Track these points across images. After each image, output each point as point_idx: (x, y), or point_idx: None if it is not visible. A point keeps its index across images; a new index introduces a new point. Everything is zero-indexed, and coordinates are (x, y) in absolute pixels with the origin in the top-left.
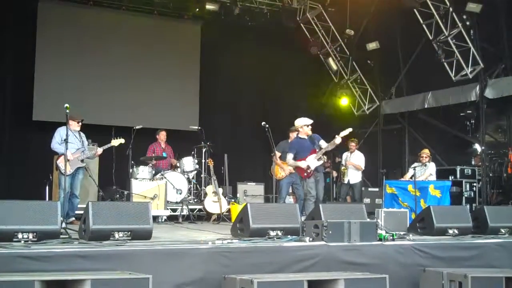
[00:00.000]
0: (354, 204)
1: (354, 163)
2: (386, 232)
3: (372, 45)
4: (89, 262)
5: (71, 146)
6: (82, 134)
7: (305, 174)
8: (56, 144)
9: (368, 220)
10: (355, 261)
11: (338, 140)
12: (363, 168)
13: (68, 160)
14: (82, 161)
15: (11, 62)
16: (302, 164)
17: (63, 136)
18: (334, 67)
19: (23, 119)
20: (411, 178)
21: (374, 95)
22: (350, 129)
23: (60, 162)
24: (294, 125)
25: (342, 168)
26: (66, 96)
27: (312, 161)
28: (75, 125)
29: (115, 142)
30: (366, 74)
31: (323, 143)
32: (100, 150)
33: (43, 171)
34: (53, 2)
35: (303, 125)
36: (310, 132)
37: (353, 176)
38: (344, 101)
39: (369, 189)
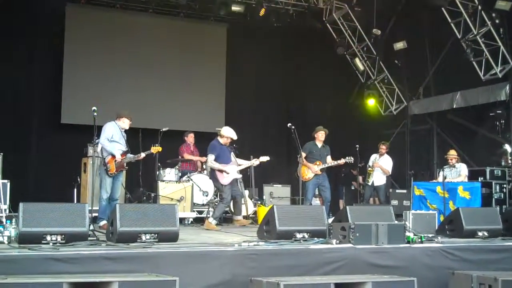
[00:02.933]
0: (381, 206)
1: (382, 166)
2: (415, 235)
3: (399, 45)
4: (117, 264)
5: (118, 147)
6: (124, 134)
7: (224, 180)
8: (106, 141)
9: (396, 222)
10: (383, 264)
11: (256, 162)
12: (390, 173)
13: (117, 161)
14: (125, 164)
15: (40, 65)
16: (227, 169)
17: (114, 134)
18: (361, 67)
19: (51, 122)
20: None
21: (401, 95)
22: (267, 158)
23: (109, 162)
24: (220, 131)
25: (368, 169)
26: (93, 99)
27: (233, 171)
28: (126, 123)
29: (154, 149)
30: (393, 74)
31: (240, 160)
32: (142, 155)
33: (71, 173)
34: (81, 5)
35: (228, 136)
36: (228, 144)
37: (378, 178)
38: (371, 102)
39: (397, 191)
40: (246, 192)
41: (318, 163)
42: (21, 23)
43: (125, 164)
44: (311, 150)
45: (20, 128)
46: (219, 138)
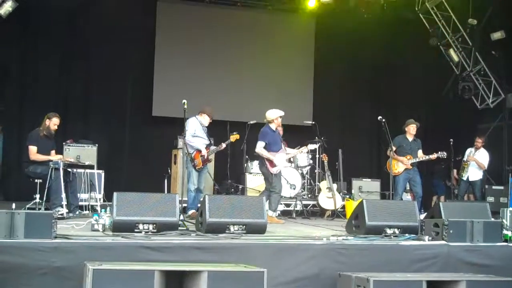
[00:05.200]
0: (477, 203)
1: (478, 160)
2: None
3: (497, 35)
4: (206, 254)
5: (202, 142)
6: (206, 128)
7: (274, 169)
8: (190, 137)
9: (493, 219)
10: (478, 263)
11: (304, 150)
12: (486, 168)
13: (203, 156)
14: (210, 157)
15: (132, 60)
16: (276, 161)
17: (197, 129)
18: (456, 58)
19: (143, 115)
20: None
21: (499, 87)
22: (315, 146)
23: (196, 158)
24: (267, 117)
25: (463, 163)
26: (183, 92)
27: (281, 159)
28: (206, 120)
29: (232, 138)
30: (490, 65)
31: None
32: (223, 145)
33: (162, 164)
34: (171, 0)
35: (278, 116)
36: (279, 125)
37: (474, 174)
38: (466, 94)
39: (493, 187)
40: (334, 186)
41: (408, 157)
42: (114, 19)
43: (209, 157)
44: (401, 143)
45: (114, 121)
46: (270, 124)
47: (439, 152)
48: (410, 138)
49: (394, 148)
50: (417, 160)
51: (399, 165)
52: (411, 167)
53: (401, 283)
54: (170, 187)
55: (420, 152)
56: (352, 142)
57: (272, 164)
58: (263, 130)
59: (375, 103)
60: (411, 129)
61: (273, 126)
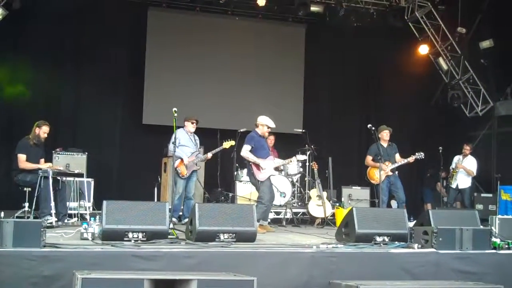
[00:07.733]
0: (466, 211)
1: (466, 168)
2: (501, 240)
3: (486, 43)
4: (195, 263)
5: (187, 150)
6: (196, 136)
7: (261, 175)
8: (172, 147)
9: (482, 227)
10: (468, 270)
11: (294, 160)
12: (475, 174)
13: (185, 164)
14: (196, 164)
15: (123, 68)
16: (263, 164)
17: (179, 139)
18: (445, 67)
19: (133, 123)
20: None
21: (487, 95)
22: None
23: (178, 166)
24: (258, 120)
25: (452, 171)
26: (174, 100)
27: (270, 167)
28: (190, 126)
29: (226, 144)
30: (479, 73)
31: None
32: (210, 155)
33: (152, 173)
34: (162, 9)
35: (264, 124)
36: (267, 135)
37: (463, 181)
38: (455, 102)
39: (482, 195)
40: (324, 194)
41: (387, 163)
42: (104, 27)
43: (196, 165)
44: (377, 151)
45: (104, 129)
46: (256, 128)
47: (416, 154)
48: (384, 144)
49: (370, 157)
50: (396, 165)
51: (378, 173)
52: (391, 173)
53: None
54: (160, 195)
55: (397, 156)
56: (342, 150)
57: (258, 168)
58: (250, 134)
59: (365, 111)
60: (384, 135)
61: (259, 131)
